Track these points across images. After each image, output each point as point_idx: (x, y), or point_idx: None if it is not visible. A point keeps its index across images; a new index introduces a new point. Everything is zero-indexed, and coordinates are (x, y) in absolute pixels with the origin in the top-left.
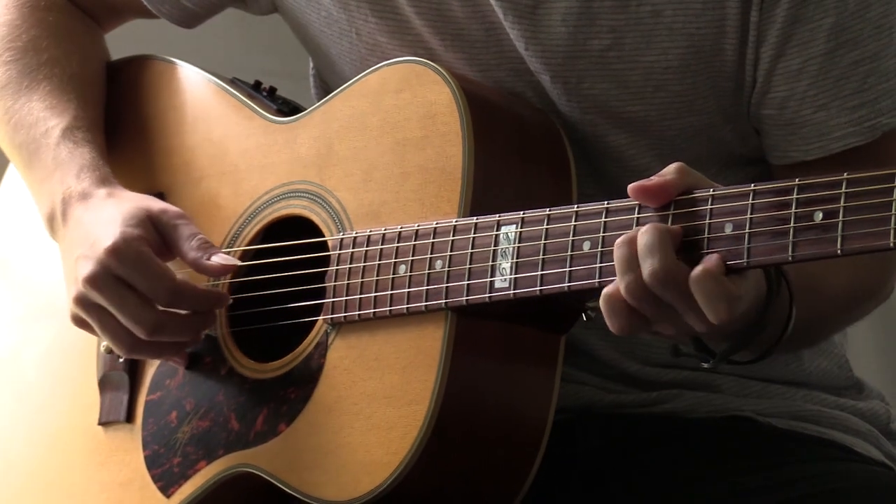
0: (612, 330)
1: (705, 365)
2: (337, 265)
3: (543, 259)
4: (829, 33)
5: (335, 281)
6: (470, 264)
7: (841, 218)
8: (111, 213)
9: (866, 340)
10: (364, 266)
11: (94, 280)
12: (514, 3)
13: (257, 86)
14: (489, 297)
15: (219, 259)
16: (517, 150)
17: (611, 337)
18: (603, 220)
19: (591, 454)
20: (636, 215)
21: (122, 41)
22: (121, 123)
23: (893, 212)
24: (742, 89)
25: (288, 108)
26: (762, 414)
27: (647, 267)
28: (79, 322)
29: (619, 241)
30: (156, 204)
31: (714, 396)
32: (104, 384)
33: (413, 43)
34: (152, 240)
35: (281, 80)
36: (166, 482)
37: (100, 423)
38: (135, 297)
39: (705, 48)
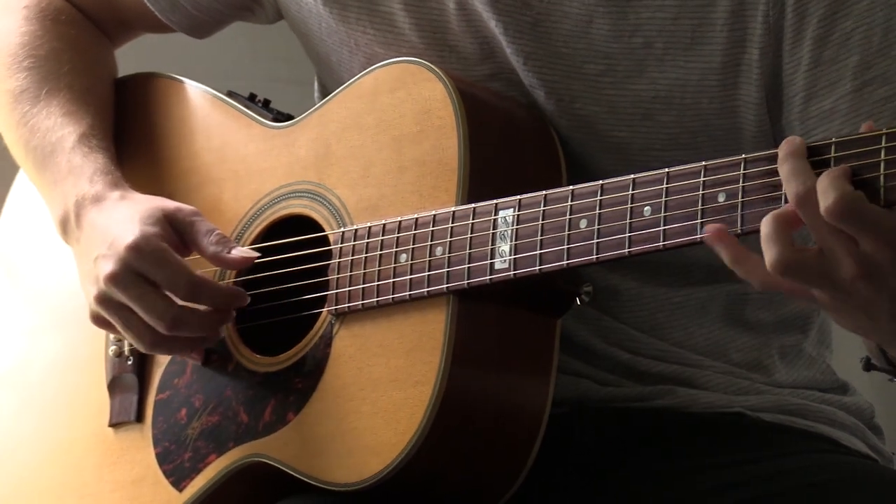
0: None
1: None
2: (339, 258)
3: (542, 239)
4: (855, 71)
5: (338, 273)
6: (470, 249)
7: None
8: (127, 213)
9: (856, 339)
10: (366, 257)
11: (115, 277)
12: (516, 19)
13: (252, 98)
14: (490, 278)
15: (238, 252)
16: (510, 141)
17: (600, 327)
18: (598, 198)
19: (585, 448)
20: (630, 192)
21: (134, 53)
22: (125, 136)
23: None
24: (741, 130)
25: (283, 118)
26: (752, 409)
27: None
28: (100, 321)
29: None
30: (169, 203)
31: (704, 394)
32: (114, 387)
33: (408, 55)
34: (170, 237)
35: (288, 86)
36: (178, 477)
37: (110, 425)
38: (155, 293)
39: (691, 82)
